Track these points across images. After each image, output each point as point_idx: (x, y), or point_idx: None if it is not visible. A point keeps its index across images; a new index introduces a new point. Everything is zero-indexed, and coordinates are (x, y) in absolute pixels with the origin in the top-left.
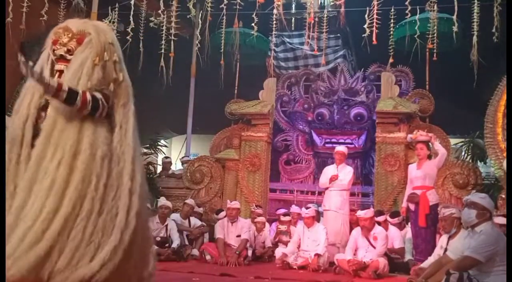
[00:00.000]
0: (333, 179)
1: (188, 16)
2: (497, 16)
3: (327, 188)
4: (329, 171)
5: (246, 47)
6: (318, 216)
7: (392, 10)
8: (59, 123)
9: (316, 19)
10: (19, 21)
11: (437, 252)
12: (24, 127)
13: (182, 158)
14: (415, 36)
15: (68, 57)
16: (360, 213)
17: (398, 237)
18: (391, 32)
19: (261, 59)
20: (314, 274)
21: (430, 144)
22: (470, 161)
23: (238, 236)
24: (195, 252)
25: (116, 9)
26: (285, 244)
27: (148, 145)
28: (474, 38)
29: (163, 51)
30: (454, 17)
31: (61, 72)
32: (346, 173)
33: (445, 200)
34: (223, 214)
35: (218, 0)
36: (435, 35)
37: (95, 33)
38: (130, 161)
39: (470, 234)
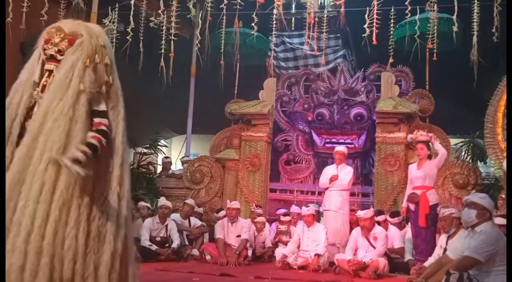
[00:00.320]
0: (333, 179)
1: (188, 16)
2: (497, 16)
3: (327, 188)
4: (329, 171)
5: (246, 47)
6: (318, 216)
7: (392, 10)
8: (47, 124)
9: (316, 19)
10: (19, 21)
11: (437, 252)
12: (12, 126)
13: (182, 158)
14: (415, 36)
15: (59, 57)
16: (360, 213)
17: (398, 237)
18: (391, 32)
19: (261, 59)
20: (314, 274)
21: (430, 144)
22: (470, 161)
23: (238, 236)
24: (195, 252)
25: (116, 9)
26: (285, 244)
27: (148, 145)
28: (474, 38)
29: (163, 51)
30: (454, 17)
31: (50, 72)
32: (346, 173)
33: (445, 200)
34: (223, 212)
35: (218, 0)
36: (435, 35)
37: (87, 35)
38: (118, 165)
39: (470, 234)
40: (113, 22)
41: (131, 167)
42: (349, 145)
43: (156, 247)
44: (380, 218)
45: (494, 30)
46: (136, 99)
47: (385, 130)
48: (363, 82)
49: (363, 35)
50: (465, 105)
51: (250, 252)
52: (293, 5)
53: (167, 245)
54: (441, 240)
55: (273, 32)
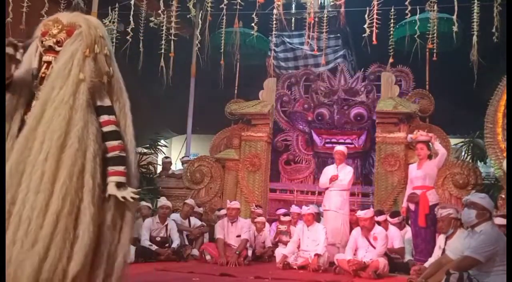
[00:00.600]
0: (333, 179)
1: (188, 16)
2: (497, 16)
3: (327, 188)
4: (329, 171)
5: (246, 47)
6: (318, 216)
7: (392, 10)
8: (46, 115)
9: (316, 19)
10: (19, 21)
11: (436, 252)
12: (12, 120)
13: (182, 158)
14: (415, 36)
15: (57, 48)
16: (360, 213)
17: (398, 237)
18: (391, 32)
19: (261, 59)
20: (314, 274)
21: (430, 144)
22: (470, 161)
23: (238, 236)
24: (195, 252)
25: (116, 9)
26: (285, 244)
27: (148, 145)
28: (474, 38)
29: (163, 51)
30: (454, 17)
31: (49, 63)
32: (346, 173)
33: (445, 200)
34: (223, 211)
35: (218, 0)
36: (435, 35)
37: (86, 26)
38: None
39: (470, 234)
40: (113, 22)
41: None
42: (349, 145)
43: (156, 247)
44: (380, 218)
45: (494, 30)
46: (136, 99)
47: (385, 130)
48: (363, 82)
49: (363, 35)
50: (465, 105)
51: (250, 252)
52: (293, 5)
53: (167, 245)
54: (440, 240)
55: (273, 32)
